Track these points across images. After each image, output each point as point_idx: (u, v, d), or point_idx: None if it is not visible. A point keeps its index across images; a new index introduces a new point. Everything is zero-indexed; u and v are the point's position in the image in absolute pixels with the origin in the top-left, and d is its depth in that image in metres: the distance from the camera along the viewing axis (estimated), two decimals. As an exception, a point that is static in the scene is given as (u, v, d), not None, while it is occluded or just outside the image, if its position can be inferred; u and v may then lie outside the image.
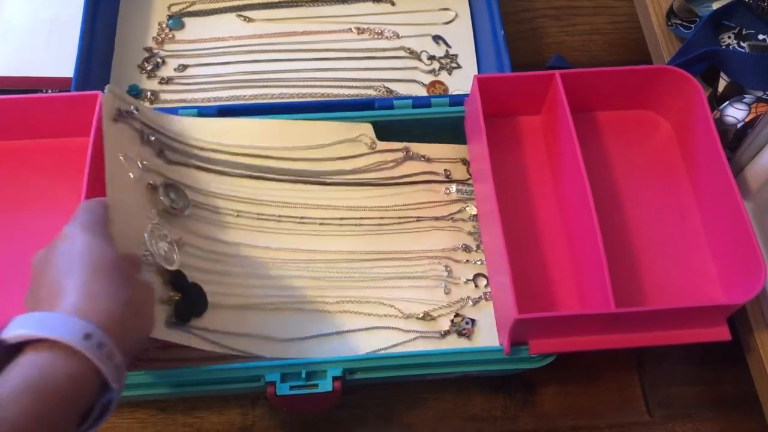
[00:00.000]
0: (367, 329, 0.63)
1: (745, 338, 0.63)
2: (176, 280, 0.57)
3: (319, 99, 0.74)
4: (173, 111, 0.67)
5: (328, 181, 0.68)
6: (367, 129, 0.68)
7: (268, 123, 0.68)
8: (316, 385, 0.55)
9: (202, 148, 0.66)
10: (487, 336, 0.63)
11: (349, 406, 0.63)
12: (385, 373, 0.57)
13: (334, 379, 0.54)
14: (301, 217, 0.67)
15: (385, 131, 0.69)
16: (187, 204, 0.62)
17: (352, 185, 0.69)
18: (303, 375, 0.55)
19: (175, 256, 0.57)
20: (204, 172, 0.66)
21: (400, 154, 0.70)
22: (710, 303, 0.56)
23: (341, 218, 0.68)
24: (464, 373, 0.59)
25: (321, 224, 0.67)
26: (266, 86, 0.76)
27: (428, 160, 0.70)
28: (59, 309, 0.40)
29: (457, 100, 0.69)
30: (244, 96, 0.74)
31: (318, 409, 0.62)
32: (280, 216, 0.67)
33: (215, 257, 0.63)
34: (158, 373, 0.55)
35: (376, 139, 0.69)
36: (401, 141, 0.70)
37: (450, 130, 0.69)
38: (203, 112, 0.68)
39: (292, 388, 0.54)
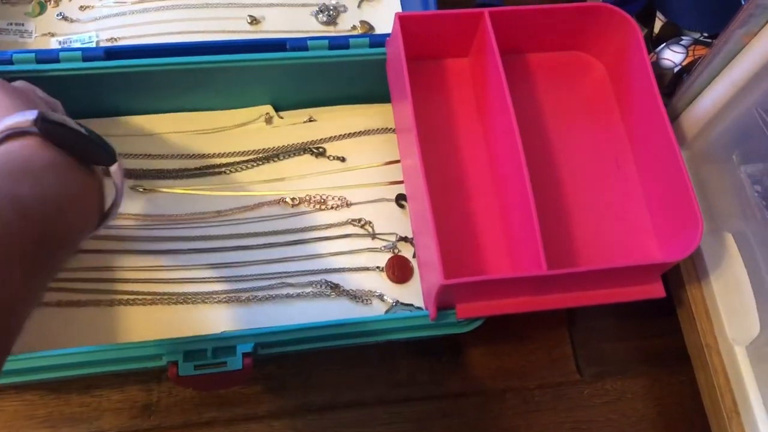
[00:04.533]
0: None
1: (677, 292, 0.61)
2: None
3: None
4: (53, 53, 0.58)
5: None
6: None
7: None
8: (224, 363, 0.49)
9: None
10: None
11: (264, 377, 0.58)
12: (302, 345, 0.51)
13: (245, 355, 0.49)
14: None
15: (297, 78, 0.63)
16: None
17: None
18: (209, 353, 0.49)
19: None
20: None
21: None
22: (646, 262, 0.53)
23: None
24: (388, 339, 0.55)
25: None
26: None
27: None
28: None
29: (379, 41, 0.62)
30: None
31: (227, 388, 0.57)
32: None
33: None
34: (43, 355, 0.49)
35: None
36: (315, 91, 0.65)
37: (372, 75, 0.63)
38: (88, 53, 0.59)
39: (197, 368, 0.49)
